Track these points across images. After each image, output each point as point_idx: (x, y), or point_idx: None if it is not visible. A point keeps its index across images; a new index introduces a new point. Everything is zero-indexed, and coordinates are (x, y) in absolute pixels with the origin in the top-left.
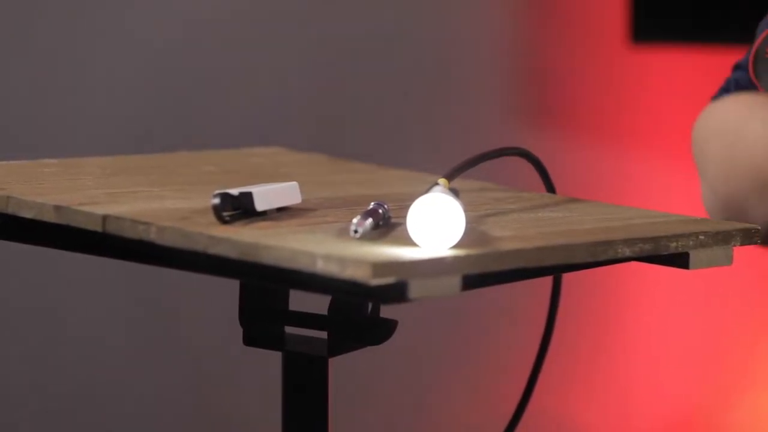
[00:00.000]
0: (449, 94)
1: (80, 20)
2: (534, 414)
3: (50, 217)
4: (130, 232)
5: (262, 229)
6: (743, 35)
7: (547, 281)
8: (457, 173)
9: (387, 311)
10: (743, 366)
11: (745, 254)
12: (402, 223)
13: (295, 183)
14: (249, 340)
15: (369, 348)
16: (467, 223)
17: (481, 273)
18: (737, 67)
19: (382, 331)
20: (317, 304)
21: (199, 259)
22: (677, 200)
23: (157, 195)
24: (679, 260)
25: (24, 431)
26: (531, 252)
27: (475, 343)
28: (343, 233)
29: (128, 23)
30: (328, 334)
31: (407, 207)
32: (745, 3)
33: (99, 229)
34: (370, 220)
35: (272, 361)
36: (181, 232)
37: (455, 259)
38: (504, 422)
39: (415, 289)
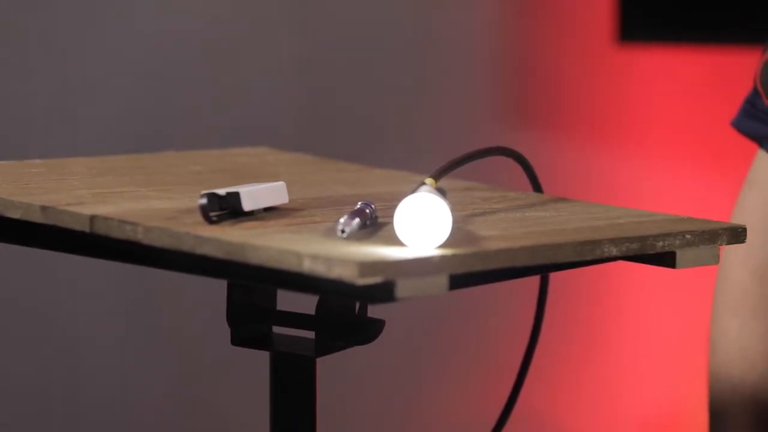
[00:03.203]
0: (436, 94)
1: (68, 22)
2: (522, 413)
3: (37, 218)
4: (117, 233)
5: (249, 229)
6: (730, 35)
7: (534, 281)
8: (444, 173)
9: (374, 311)
10: None
11: None
12: (389, 223)
13: (282, 183)
14: (237, 340)
15: (356, 348)
16: (454, 222)
17: (468, 272)
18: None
19: (370, 330)
20: (305, 303)
21: (187, 259)
22: (664, 200)
23: (144, 195)
24: (666, 259)
25: (10, 428)
26: (518, 251)
27: (462, 343)
28: (330, 233)
29: (116, 26)
30: (315, 334)
31: (394, 207)
32: (732, 3)
33: (86, 229)
34: (357, 220)
35: (260, 360)
36: (168, 232)
37: (442, 259)
38: (492, 422)
39: (402, 289)
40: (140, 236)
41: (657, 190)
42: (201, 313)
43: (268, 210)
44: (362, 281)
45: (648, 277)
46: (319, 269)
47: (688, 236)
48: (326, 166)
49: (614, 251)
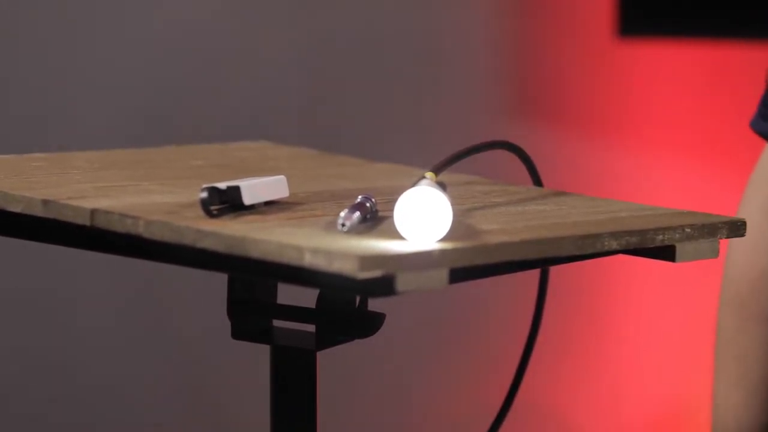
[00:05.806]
0: (437, 88)
1: (69, 17)
2: (521, 408)
3: (38, 211)
4: (118, 226)
5: (249, 223)
6: (731, 29)
7: (534, 274)
8: (444, 167)
9: (374, 304)
10: None
11: None
12: (389, 217)
13: (282, 177)
14: (237, 333)
15: (357, 341)
16: (454, 216)
17: (468, 266)
18: None
19: (370, 324)
20: (305, 297)
21: (187, 252)
22: (664, 193)
23: (145, 189)
24: (666, 253)
25: (9, 422)
26: (518, 245)
27: (462, 337)
28: (330, 227)
29: (118, 20)
30: (315, 328)
31: (394, 201)
32: None
33: (87, 223)
34: (357, 214)
35: (260, 354)
36: (169, 226)
37: (442, 253)
38: (492, 415)
39: (402, 283)
40: (141, 230)
41: (657, 184)
42: (201, 306)
43: (269, 204)
44: (363, 275)
45: (648, 271)
46: (320, 263)
47: (688, 230)
48: (326, 160)
49: (614, 245)
